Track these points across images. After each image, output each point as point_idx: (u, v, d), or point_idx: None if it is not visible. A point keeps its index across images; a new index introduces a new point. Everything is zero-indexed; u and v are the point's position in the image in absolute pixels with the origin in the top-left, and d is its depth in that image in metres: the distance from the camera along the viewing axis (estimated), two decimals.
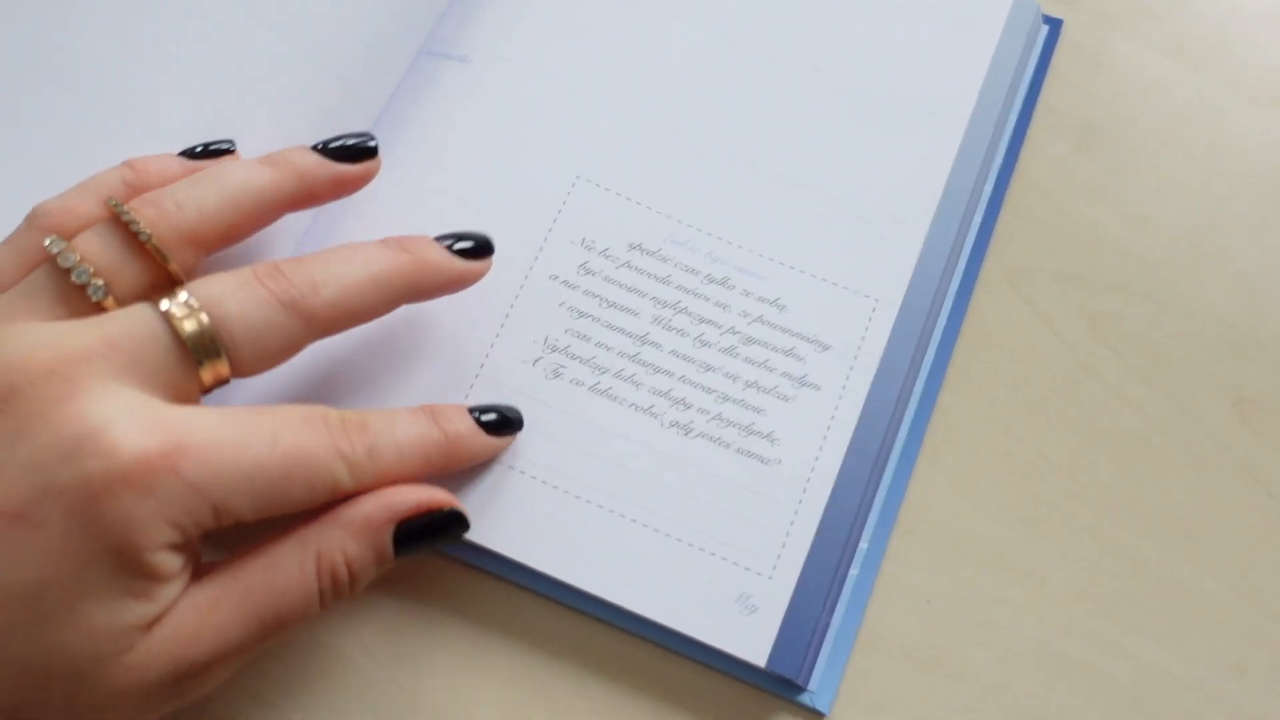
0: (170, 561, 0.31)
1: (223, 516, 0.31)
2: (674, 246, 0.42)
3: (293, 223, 0.41)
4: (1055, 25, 0.49)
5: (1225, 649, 0.41)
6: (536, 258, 0.42)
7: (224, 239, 0.36)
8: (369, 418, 0.34)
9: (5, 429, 0.30)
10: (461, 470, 0.38)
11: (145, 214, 0.35)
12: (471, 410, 0.38)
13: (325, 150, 0.38)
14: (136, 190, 0.37)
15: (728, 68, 0.45)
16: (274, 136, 0.41)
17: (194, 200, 0.35)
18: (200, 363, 0.33)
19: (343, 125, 0.43)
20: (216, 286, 0.33)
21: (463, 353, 0.40)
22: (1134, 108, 0.48)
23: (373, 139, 0.39)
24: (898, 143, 0.45)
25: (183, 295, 0.32)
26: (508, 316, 0.41)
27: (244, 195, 0.36)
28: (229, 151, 0.39)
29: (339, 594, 0.34)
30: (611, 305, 0.41)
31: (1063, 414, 0.43)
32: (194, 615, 0.31)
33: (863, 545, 0.40)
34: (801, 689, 0.39)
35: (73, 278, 0.33)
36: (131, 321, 0.32)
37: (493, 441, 0.38)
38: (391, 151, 0.42)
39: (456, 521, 0.36)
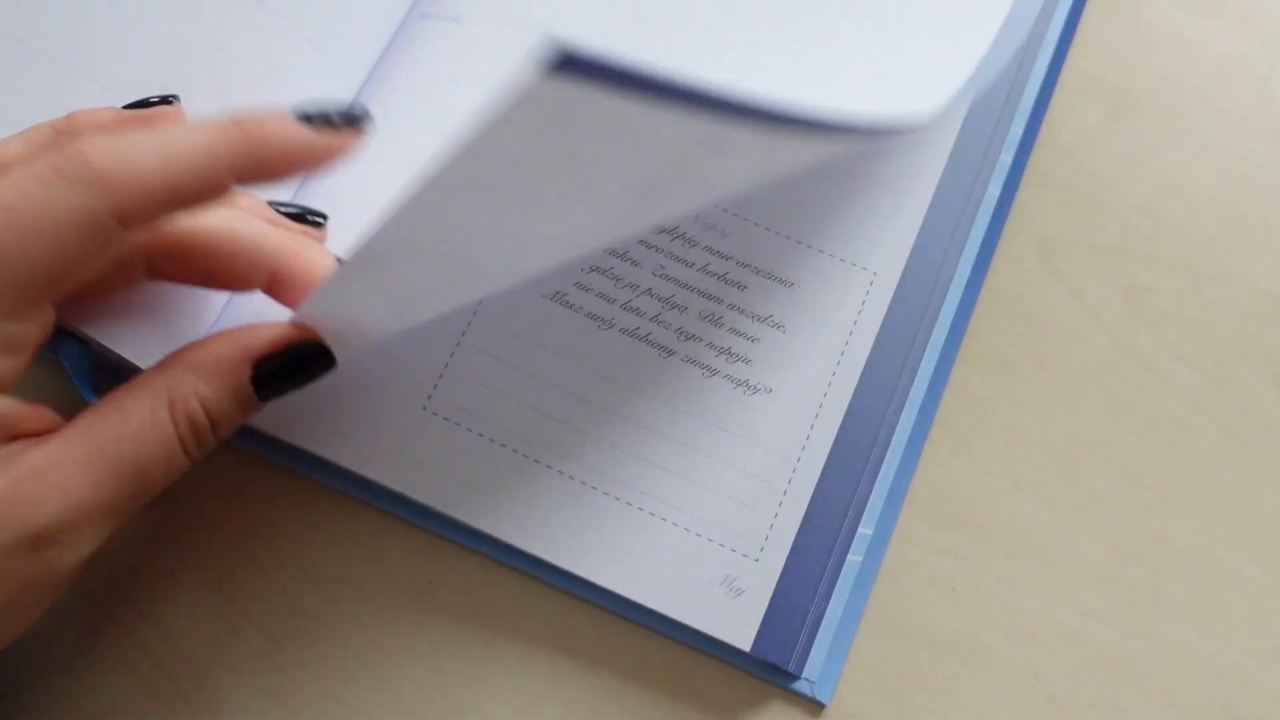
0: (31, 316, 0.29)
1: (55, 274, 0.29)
2: None
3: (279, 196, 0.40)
4: None
5: (1264, 634, 0.39)
6: None
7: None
8: (130, 134, 0.30)
9: None
10: (281, 177, 0.32)
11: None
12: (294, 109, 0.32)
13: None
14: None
15: (725, 26, 0.44)
16: (247, 101, 0.40)
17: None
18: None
19: (324, 89, 0.42)
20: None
21: (433, 339, 0.39)
22: (1170, 70, 0.46)
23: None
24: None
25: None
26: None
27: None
28: (169, 102, 0.37)
29: (202, 441, 0.32)
30: (597, 270, 0.40)
31: (1095, 391, 0.42)
32: (32, 476, 0.29)
33: (865, 531, 0.39)
34: (793, 676, 0.38)
35: None
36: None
37: (311, 133, 0.32)
38: (381, 113, 0.41)
39: (321, 356, 0.33)
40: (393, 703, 0.38)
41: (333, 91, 0.42)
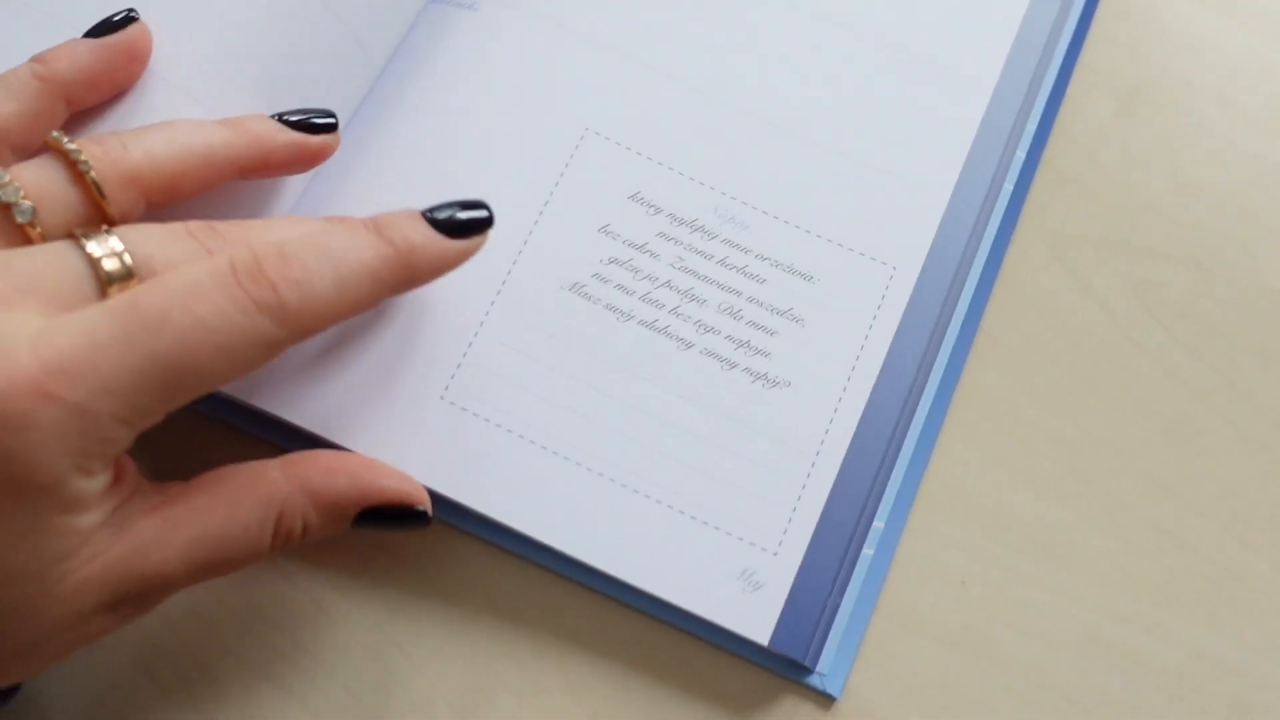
0: (86, 487, 0.29)
1: (133, 422, 0.29)
2: (683, 204, 0.41)
3: (295, 181, 0.40)
4: None
5: (1273, 630, 0.39)
6: (542, 211, 0.41)
7: (168, 191, 0.35)
8: (291, 247, 0.31)
9: None
10: (423, 284, 0.35)
11: (90, 150, 0.33)
12: (424, 214, 0.34)
13: (284, 120, 0.37)
14: (51, 84, 0.35)
15: (747, 19, 0.44)
16: (272, 94, 0.40)
17: (141, 143, 0.34)
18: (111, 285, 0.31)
19: (350, 78, 0.41)
20: (145, 234, 0.32)
21: (457, 311, 0.39)
22: (1183, 67, 0.46)
23: (332, 115, 0.38)
24: (921, 103, 0.43)
25: (110, 239, 0.31)
26: (509, 273, 0.40)
27: (194, 147, 0.35)
28: (133, 20, 0.37)
29: (285, 550, 0.34)
30: (616, 262, 0.40)
31: (1106, 387, 0.42)
32: (138, 554, 0.31)
33: (878, 525, 0.39)
34: (808, 670, 0.37)
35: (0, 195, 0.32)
36: (47, 252, 0.31)
37: (456, 246, 0.35)
38: (399, 103, 0.42)
39: (420, 518, 0.36)
40: (398, 689, 0.37)
41: (354, 77, 0.42)
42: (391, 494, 0.35)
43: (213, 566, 0.32)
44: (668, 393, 0.39)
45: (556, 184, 0.41)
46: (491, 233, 0.36)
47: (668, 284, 0.40)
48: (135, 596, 0.31)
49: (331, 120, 0.38)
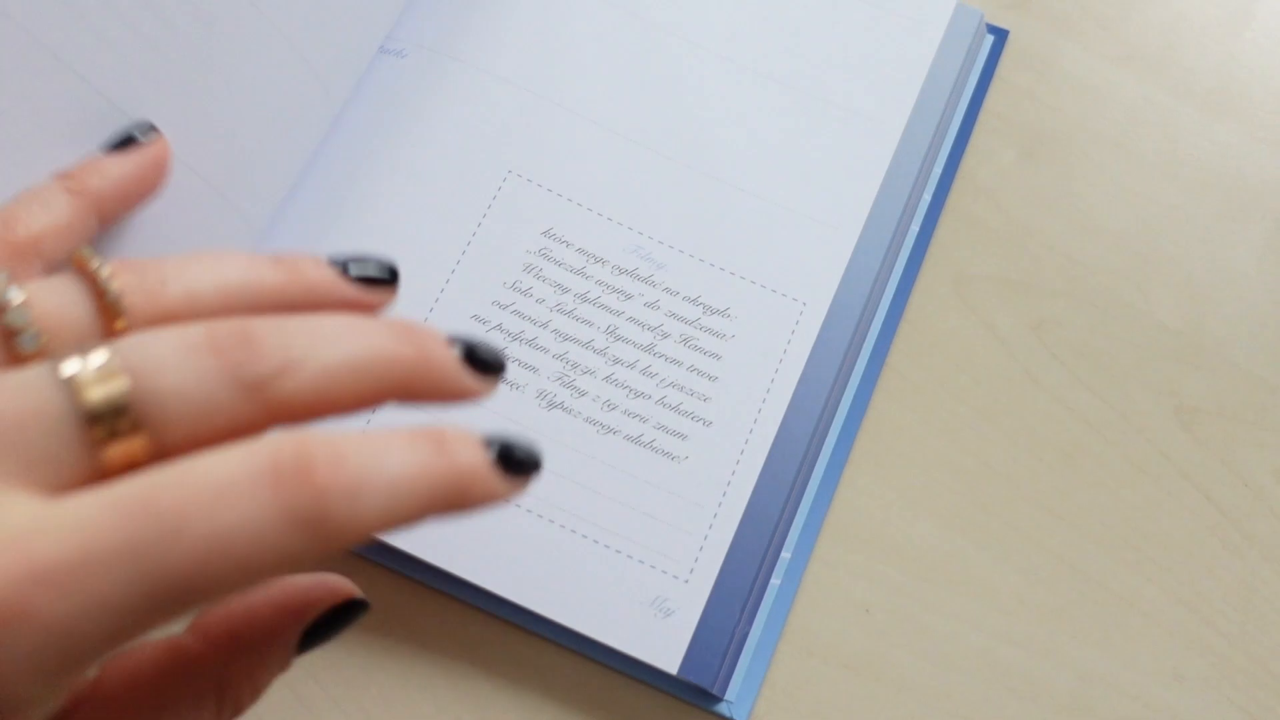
0: (40, 710, 0.25)
1: (122, 642, 0.23)
2: (599, 242, 0.42)
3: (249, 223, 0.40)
4: (1001, 35, 0.49)
5: (1163, 656, 0.41)
6: (464, 251, 0.42)
7: None
8: (345, 448, 0.25)
9: None
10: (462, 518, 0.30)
11: (125, 279, 0.28)
12: (487, 441, 0.27)
13: (345, 271, 0.30)
14: (84, 199, 0.33)
15: (665, 65, 0.45)
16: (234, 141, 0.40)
17: (183, 280, 0.28)
18: (106, 440, 0.24)
19: (311, 124, 0.41)
20: (155, 347, 0.25)
21: None
22: (1082, 115, 0.48)
23: (393, 267, 0.31)
24: (832, 146, 0.45)
25: (100, 355, 0.24)
26: (431, 311, 0.41)
27: (242, 295, 0.29)
28: (154, 130, 0.36)
29: None
30: (535, 298, 0.41)
31: (1005, 420, 0.43)
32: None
33: (785, 555, 0.40)
34: (717, 698, 0.38)
35: (5, 318, 0.26)
36: (17, 387, 0.24)
37: (506, 486, 0.27)
38: (328, 148, 0.42)
39: (357, 608, 0.32)
40: (301, 708, 0.38)
41: (314, 117, 0.42)
42: (322, 603, 0.31)
43: None
44: (583, 423, 0.40)
45: (479, 224, 0.42)
46: (415, 277, 0.36)
47: (585, 320, 0.41)
48: None
49: (392, 275, 0.31)
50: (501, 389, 0.40)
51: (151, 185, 0.35)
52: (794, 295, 0.42)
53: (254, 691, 0.30)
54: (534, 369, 0.40)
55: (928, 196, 0.45)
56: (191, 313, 0.28)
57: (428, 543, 0.38)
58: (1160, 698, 0.40)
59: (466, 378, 0.28)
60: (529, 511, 0.39)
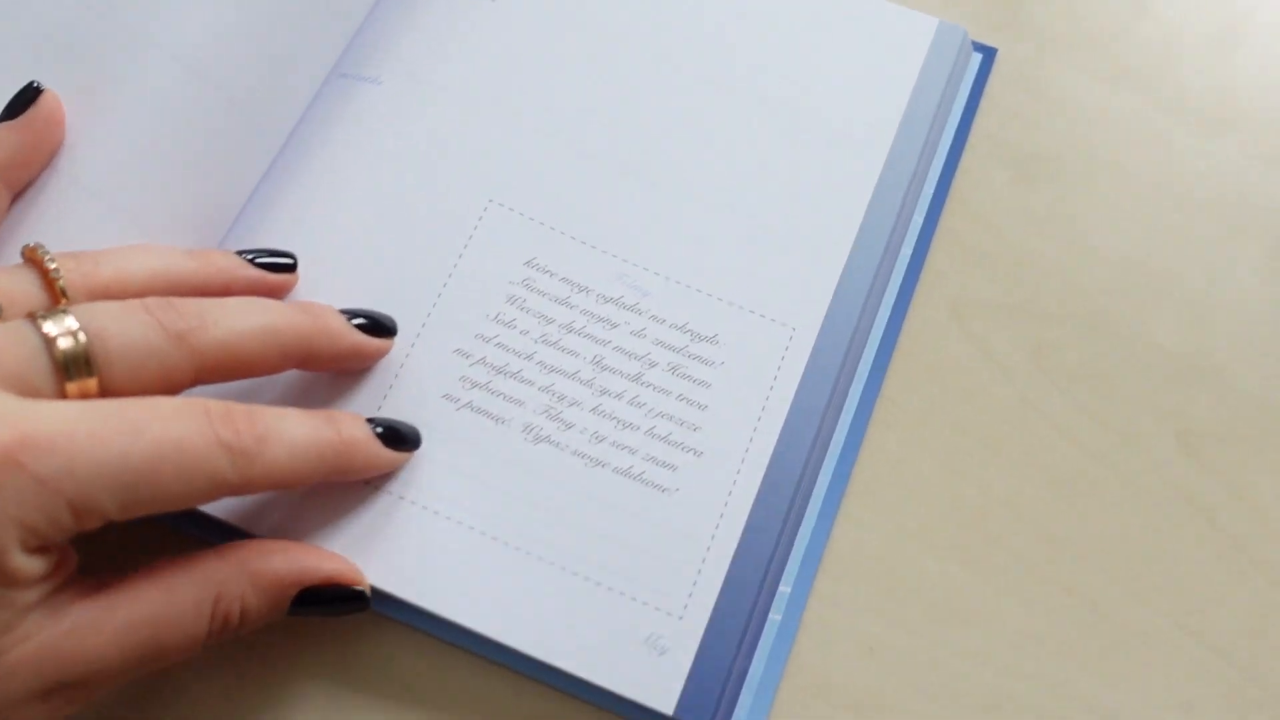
0: (27, 565, 0.30)
1: (84, 515, 0.30)
2: (585, 271, 0.42)
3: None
4: (990, 54, 0.48)
5: (1174, 687, 0.39)
6: (445, 284, 0.41)
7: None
8: (259, 410, 0.34)
9: None
10: (354, 479, 0.38)
11: (64, 263, 0.35)
12: (369, 421, 0.37)
13: (248, 258, 0.39)
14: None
15: (647, 89, 0.45)
16: (155, 160, 0.40)
17: (113, 262, 0.36)
18: (69, 377, 0.32)
19: (236, 150, 0.41)
20: (105, 311, 0.33)
21: (368, 378, 0.39)
22: (1076, 135, 0.47)
23: (291, 256, 0.40)
24: (817, 169, 0.44)
25: (67, 318, 0.32)
26: (413, 346, 0.40)
27: (161, 273, 0.36)
28: (39, 90, 0.39)
29: (223, 638, 0.34)
30: (519, 330, 0.41)
31: (1005, 448, 0.42)
32: (72, 638, 0.31)
33: (784, 589, 0.39)
34: None
35: None
36: (5, 331, 0.32)
37: (388, 454, 0.37)
38: (303, 177, 0.42)
39: (359, 599, 0.36)
40: None
41: (253, 156, 0.42)
42: (330, 573, 0.35)
43: (149, 653, 0.32)
44: (571, 456, 0.39)
45: (460, 255, 0.41)
46: (396, 311, 0.40)
47: (571, 351, 0.40)
48: (69, 685, 0.31)
49: (290, 261, 0.40)
50: (487, 424, 0.39)
51: (52, 144, 0.39)
52: (782, 320, 0.42)
53: (244, 617, 0.34)
54: (519, 402, 0.39)
55: (919, 219, 0.45)
56: (121, 290, 0.35)
57: (409, 579, 0.37)
58: None
59: (358, 336, 0.38)
60: (516, 549, 0.38)
